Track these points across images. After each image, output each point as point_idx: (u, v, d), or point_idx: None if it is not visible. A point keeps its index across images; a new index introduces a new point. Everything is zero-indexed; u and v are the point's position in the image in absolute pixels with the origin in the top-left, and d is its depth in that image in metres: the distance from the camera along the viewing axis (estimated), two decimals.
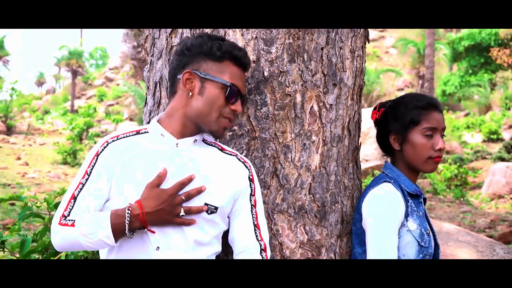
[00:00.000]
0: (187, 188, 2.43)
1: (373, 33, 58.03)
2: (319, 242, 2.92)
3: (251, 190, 2.62)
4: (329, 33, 2.94)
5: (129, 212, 2.32)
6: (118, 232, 2.33)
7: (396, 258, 2.73)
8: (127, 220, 2.31)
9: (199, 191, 2.42)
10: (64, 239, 2.36)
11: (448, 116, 32.56)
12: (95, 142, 28.58)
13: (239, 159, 2.64)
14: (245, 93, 2.58)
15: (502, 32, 38.83)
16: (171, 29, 3.00)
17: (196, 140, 2.57)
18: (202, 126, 2.51)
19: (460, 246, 6.68)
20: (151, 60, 3.17)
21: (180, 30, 2.96)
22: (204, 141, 2.63)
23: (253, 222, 2.60)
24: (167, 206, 2.36)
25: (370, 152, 17.00)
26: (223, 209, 2.51)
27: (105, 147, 2.52)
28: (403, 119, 2.96)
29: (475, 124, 31.23)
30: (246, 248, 2.57)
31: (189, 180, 2.41)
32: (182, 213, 2.39)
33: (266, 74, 2.83)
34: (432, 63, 30.00)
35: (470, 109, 39.97)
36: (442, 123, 2.93)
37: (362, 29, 3.16)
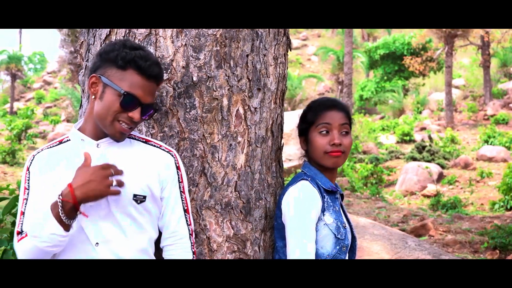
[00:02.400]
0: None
1: (296, 41, 58.50)
2: (244, 236, 2.93)
3: (178, 176, 2.61)
4: (253, 41, 2.95)
5: (60, 196, 2.25)
6: (62, 220, 2.24)
7: (314, 250, 2.75)
8: (60, 204, 2.23)
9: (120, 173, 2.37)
10: (25, 252, 2.35)
11: (364, 119, 33.08)
12: (33, 142, 28.18)
13: (163, 149, 2.62)
14: (148, 102, 2.47)
15: (414, 42, 39.74)
16: (105, 36, 2.96)
17: None
18: (102, 129, 2.47)
19: (375, 239, 6.78)
20: (86, 65, 3.12)
21: (113, 37, 2.92)
22: (128, 136, 2.58)
23: (183, 208, 2.62)
24: (97, 177, 2.27)
25: (293, 152, 17.07)
26: (152, 197, 2.51)
27: (32, 161, 2.53)
28: (304, 120, 3.02)
29: (389, 126, 31.85)
30: (176, 233, 2.58)
31: (116, 168, 2.36)
32: (114, 183, 2.32)
33: (195, 79, 2.82)
34: (351, 70, 30.44)
35: (385, 112, 40.72)
36: (337, 120, 2.94)
37: (284, 38, 3.18)
